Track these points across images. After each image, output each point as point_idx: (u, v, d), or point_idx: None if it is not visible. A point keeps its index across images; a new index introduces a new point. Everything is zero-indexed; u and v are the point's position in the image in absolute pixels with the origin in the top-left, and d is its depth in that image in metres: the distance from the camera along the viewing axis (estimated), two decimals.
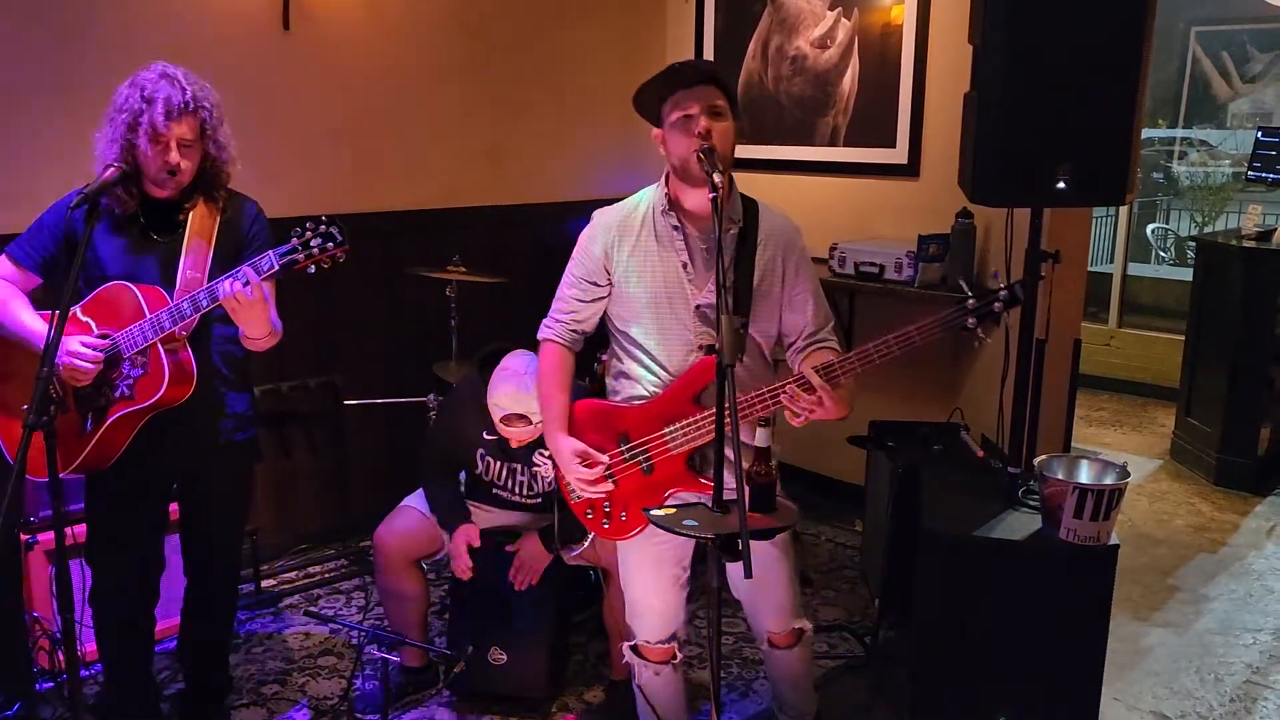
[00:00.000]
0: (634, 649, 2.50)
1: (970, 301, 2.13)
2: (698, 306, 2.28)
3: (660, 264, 2.29)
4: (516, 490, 2.95)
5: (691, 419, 2.24)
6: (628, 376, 2.38)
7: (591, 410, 2.39)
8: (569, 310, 2.39)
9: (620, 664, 2.95)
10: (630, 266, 2.30)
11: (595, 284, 2.35)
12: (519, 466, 2.91)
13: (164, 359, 2.36)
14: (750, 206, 2.34)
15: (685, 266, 2.28)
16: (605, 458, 2.32)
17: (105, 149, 2.33)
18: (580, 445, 2.32)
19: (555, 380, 2.39)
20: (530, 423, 2.68)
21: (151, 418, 2.43)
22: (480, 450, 2.93)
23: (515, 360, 2.73)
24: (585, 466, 2.30)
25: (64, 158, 2.83)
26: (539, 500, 2.95)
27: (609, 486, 2.33)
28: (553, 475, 2.88)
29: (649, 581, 2.43)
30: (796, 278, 2.35)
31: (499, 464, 2.92)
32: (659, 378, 2.33)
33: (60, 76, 3.17)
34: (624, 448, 2.32)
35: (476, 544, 2.86)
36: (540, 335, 2.44)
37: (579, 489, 2.35)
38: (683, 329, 2.29)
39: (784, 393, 2.17)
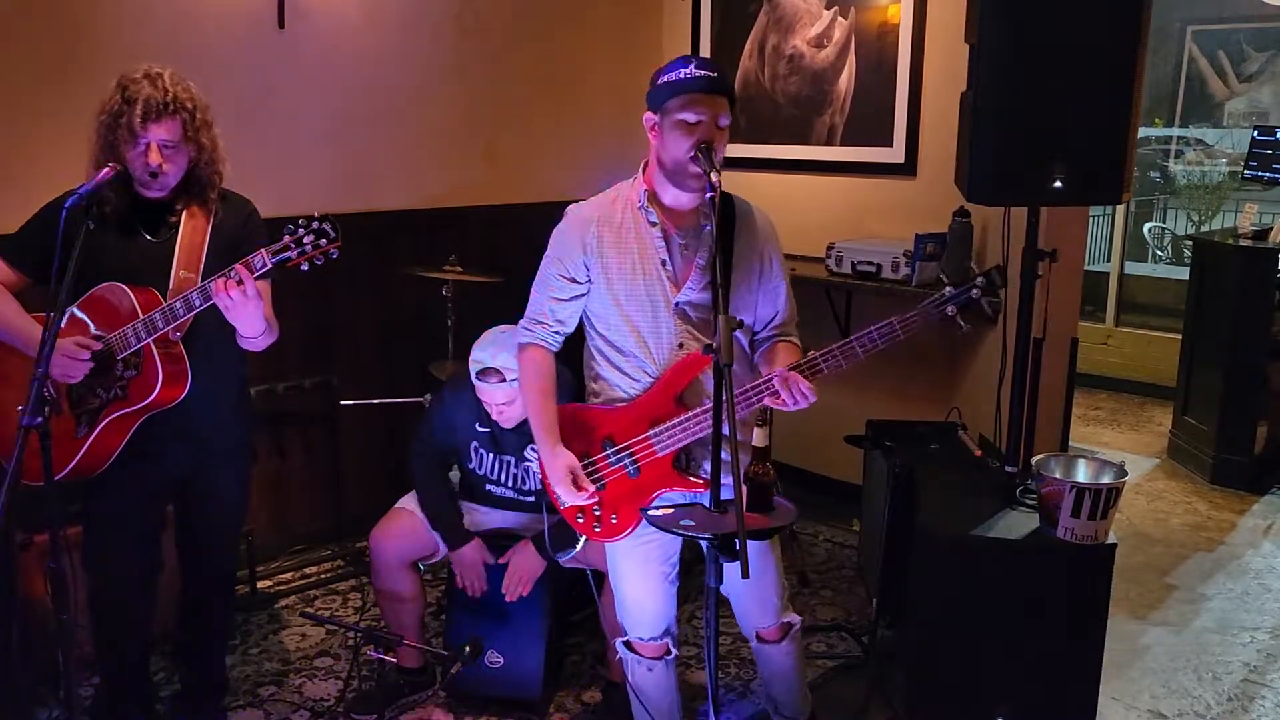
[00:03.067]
0: (626, 644, 2.50)
1: (946, 289, 2.14)
2: (677, 304, 2.25)
3: (639, 260, 2.25)
4: (510, 484, 2.94)
5: (676, 420, 2.22)
6: (606, 378, 2.34)
7: (573, 415, 2.34)
8: (549, 312, 2.32)
9: (617, 664, 2.95)
10: (609, 263, 2.25)
11: (575, 281, 2.29)
12: (511, 460, 2.90)
13: (157, 360, 2.36)
14: (725, 200, 2.30)
15: (664, 264, 2.24)
16: (592, 485, 2.28)
17: (95, 149, 2.33)
18: (575, 463, 2.27)
19: (542, 388, 2.31)
20: (505, 379, 2.65)
21: (147, 419, 2.43)
22: (474, 443, 2.92)
23: (495, 327, 2.75)
24: (575, 487, 2.26)
25: (58, 157, 2.82)
26: (533, 498, 2.94)
27: (594, 499, 2.30)
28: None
29: (638, 580, 2.42)
30: (772, 269, 2.34)
31: (492, 457, 2.92)
32: (639, 379, 2.29)
33: (54, 74, 3.16)
34: (609, 451, 2.29)
35: (491, 560, 2.86)
36: (520, 340, 2.37)
37: (566, 500, 2.31)
38: (663, 328, 2.25)
39: (770, 388, 2.15)
